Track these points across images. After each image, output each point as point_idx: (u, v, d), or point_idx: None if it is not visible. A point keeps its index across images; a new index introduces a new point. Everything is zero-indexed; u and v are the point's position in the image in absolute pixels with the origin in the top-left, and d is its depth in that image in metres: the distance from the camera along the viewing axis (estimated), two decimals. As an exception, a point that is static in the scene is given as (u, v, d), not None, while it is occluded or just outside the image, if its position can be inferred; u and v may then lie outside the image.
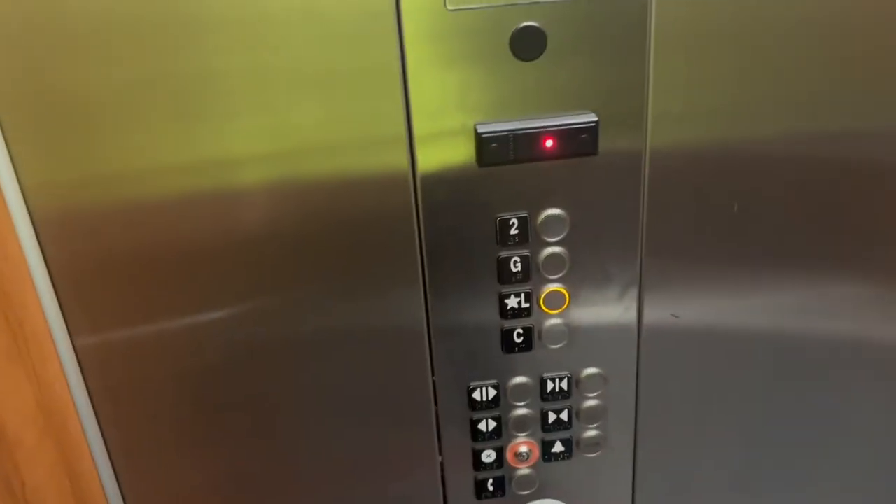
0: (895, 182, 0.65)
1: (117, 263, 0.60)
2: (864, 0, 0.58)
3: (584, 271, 0.65)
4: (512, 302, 0.65)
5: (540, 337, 0.67)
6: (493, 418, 0.70)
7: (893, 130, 0.63)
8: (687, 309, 0.68)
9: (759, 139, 0.62)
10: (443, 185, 0.60)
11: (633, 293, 0.66)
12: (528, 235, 0.62)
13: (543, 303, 0.65)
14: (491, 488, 0.73)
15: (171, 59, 0.54)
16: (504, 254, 0.63)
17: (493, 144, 0.58)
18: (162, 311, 0.63)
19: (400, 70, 0.56)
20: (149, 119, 0.56)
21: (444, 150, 0.59)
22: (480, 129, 0.58)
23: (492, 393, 0.69)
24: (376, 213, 0.61)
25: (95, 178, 0.57)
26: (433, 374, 0.68)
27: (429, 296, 0.64)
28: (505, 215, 0.62)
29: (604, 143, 0.59)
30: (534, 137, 0.58)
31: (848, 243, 0.67)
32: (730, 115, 0.60)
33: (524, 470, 0.73)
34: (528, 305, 0.65)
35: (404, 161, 0.59)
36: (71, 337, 0.63)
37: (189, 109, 0.56)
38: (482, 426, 0.70)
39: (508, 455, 0.72)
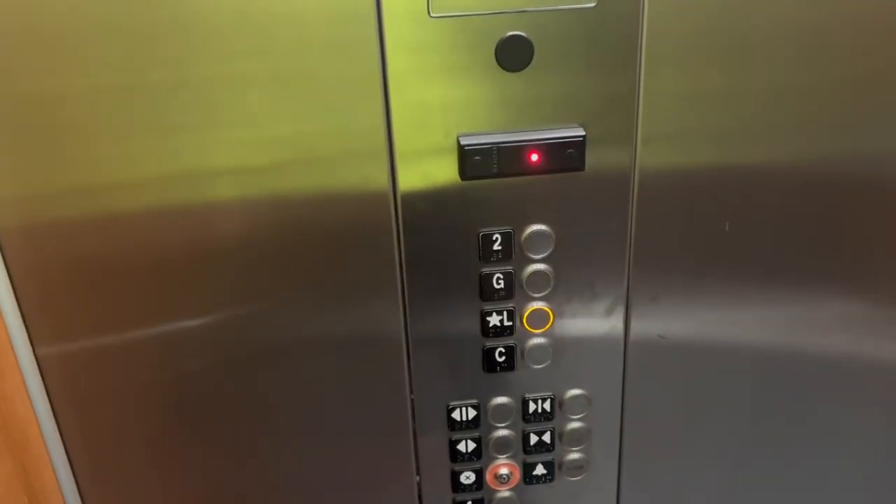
0: (886, 200, 0.64)
1: (87, 273, 0.59)
2: (859, 21, 0.57)
3: (569, 289, 0.63)
4: (494, 320, 0.63)
5: (522, 356, 0.65)
6: (473, 439, 0.69)
7: (884, 149, 0.62)
8: (675, 329, 0.67)
9: (751, 158, 0.61)
10: (424, 198, 0.59)
11: (620, 312, 0.65)
12: (512, 251, 0.61)
13: (527, 321, 0.64)
14: (470, 510, 0.72)
15: (147, 68, 0.53)
16: (486, 270, 0.62)
17: (477, 157, 0.57)
18: (134, 322, 0.62)
19: (381, 78, 0.55)
20: (124, 129, 0.55)
21: (426, 162, 0.58)
22: (463, 142, 0.56)
23: (472, 413, 0.68)
24: (355, 226, 0.60)
25: (67, 188, 0.56)
26: (411, 393, 0.67)
27: (408, 312, 0.63)
28: (488, 230, 0.60)
29: (591, 159, 0.58)
30: (518, 151, 0.57)
31: (839, 261, 0.66)
32: (722, 133, 0.59)
33: (504, 492, 0.72)
34: (510, 324, 0.64)
35: (384, 173, 0.58)
36: (33, 347, 0.61)
37: (166, 120, 0.55)
38: (461, 447, 0.69)
39: (488, 477, 0.71)
